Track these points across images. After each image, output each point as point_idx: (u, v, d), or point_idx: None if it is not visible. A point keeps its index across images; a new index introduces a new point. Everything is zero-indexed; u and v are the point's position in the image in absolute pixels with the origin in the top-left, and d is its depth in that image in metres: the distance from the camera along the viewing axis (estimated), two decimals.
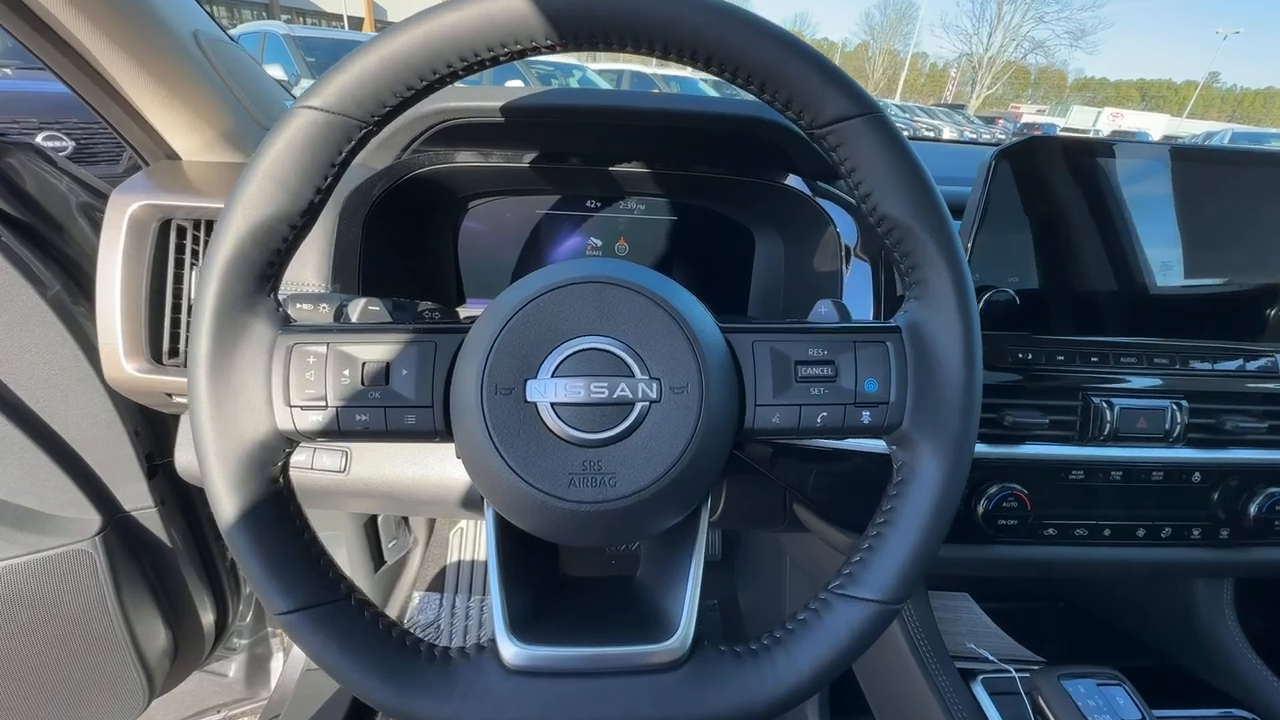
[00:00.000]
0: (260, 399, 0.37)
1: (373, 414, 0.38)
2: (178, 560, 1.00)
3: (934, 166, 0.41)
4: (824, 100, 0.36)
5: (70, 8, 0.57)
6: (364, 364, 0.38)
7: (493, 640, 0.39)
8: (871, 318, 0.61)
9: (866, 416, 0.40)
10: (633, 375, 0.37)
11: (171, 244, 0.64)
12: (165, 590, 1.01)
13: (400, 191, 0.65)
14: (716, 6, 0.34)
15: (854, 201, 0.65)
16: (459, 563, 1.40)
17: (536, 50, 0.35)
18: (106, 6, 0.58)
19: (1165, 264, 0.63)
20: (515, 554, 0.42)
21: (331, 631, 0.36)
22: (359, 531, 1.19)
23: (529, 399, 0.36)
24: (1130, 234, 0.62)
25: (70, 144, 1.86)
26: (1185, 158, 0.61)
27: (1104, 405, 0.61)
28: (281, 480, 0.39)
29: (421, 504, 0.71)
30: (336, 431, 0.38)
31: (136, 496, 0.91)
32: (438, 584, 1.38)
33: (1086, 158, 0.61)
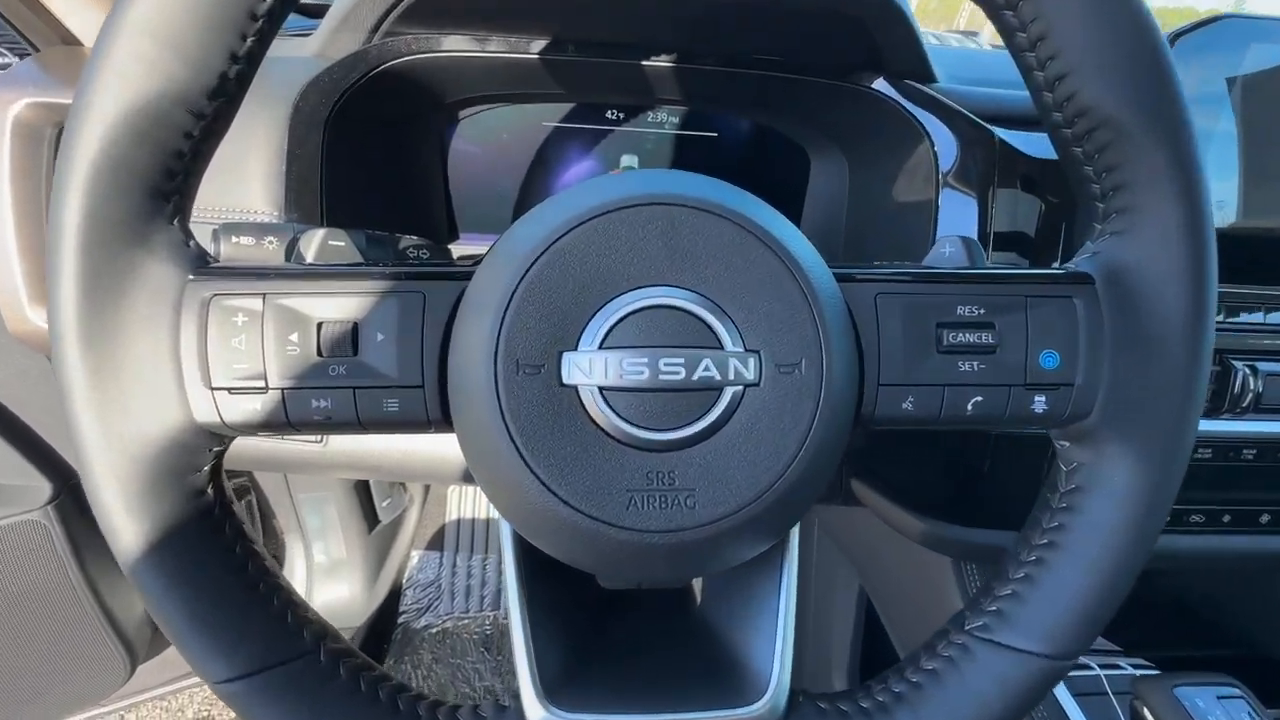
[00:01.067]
0: (164, 378, 0.25)
1: (336, 398, 0.26)
2: None
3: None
4: None
5: None
6: (320, 325, 0.26)
7: (517, 699, 0.29)
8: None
9: (1041, 403, 0.28)
10: (720, 346, 0.25)
11: None
12: None
13: (371, 90, 0.50)
14: None
15: (962, 108, 0.50)
16: (459, 520, 1.32)
17: None
18: None
19: None
20: (545, 586, 0.31)
21: (296, 701, 0.26)
22: (349, 491, 1.10)
23: (566, 381, 0.25)
24: None
25: None
26: None
27: (1247, 371, 0.50)
28: (211, 491, 0.27)
29: (416, 475, 0.61)
30: (284, 423, 0.27)
31: None
32: (437, 542, 1.30)
33: None
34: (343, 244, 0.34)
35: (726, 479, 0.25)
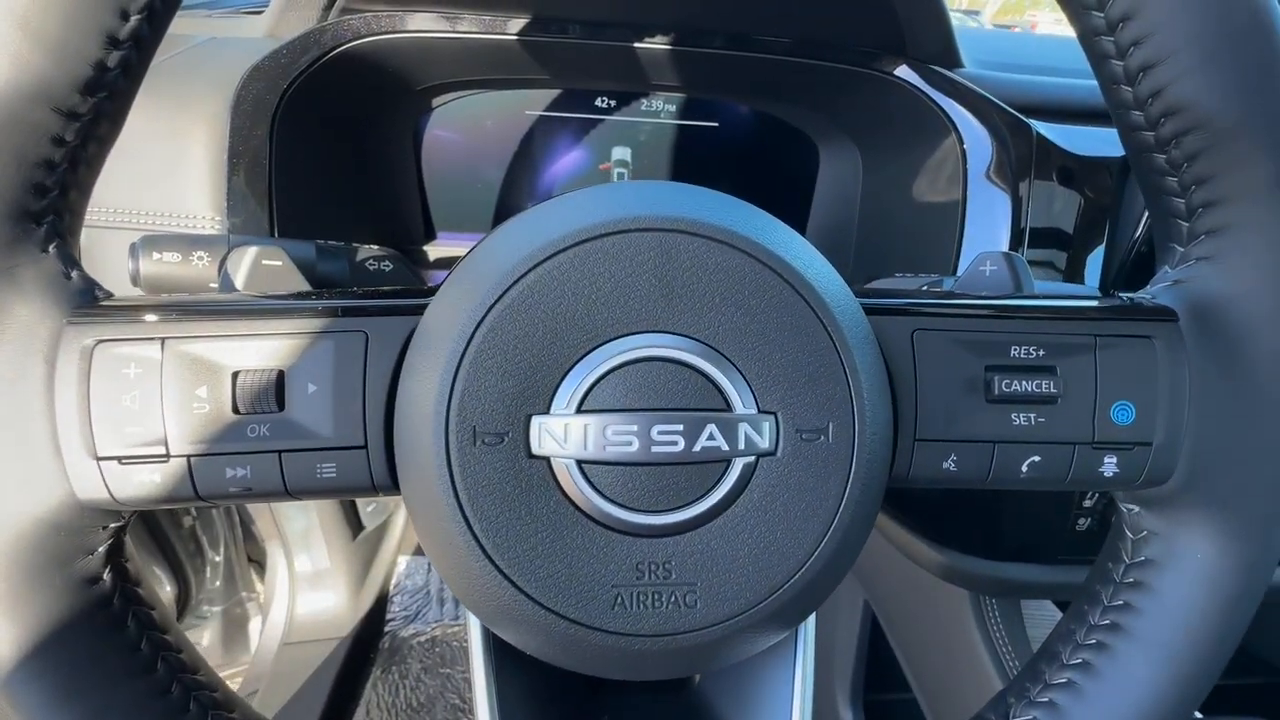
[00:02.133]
0: (36, 447, 0.21)
1: (258, 464, 0.22)
2: None
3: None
4: None
5: None
6: (236, 375, 0.21)
7: None
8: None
9: (1111, 465, 0.23)
10: (728, 408, 0.20)
11: None
12: None
13: (327, 76, 0.44)
14: None
15: (1033, 100, 0.45)
16: None
17: None
18: None
19: None
20: (519, 667, 0.26)
21: None
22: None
23: (535, 452, 0.20)
24: None
25: None
26: None
27: None
28: (109, 577, 0.22)
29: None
30: (191, 497, 0.22)
31: None
32: None
33: None
34: (279, 263, 0.29)
35: (734, 572, 0.20)
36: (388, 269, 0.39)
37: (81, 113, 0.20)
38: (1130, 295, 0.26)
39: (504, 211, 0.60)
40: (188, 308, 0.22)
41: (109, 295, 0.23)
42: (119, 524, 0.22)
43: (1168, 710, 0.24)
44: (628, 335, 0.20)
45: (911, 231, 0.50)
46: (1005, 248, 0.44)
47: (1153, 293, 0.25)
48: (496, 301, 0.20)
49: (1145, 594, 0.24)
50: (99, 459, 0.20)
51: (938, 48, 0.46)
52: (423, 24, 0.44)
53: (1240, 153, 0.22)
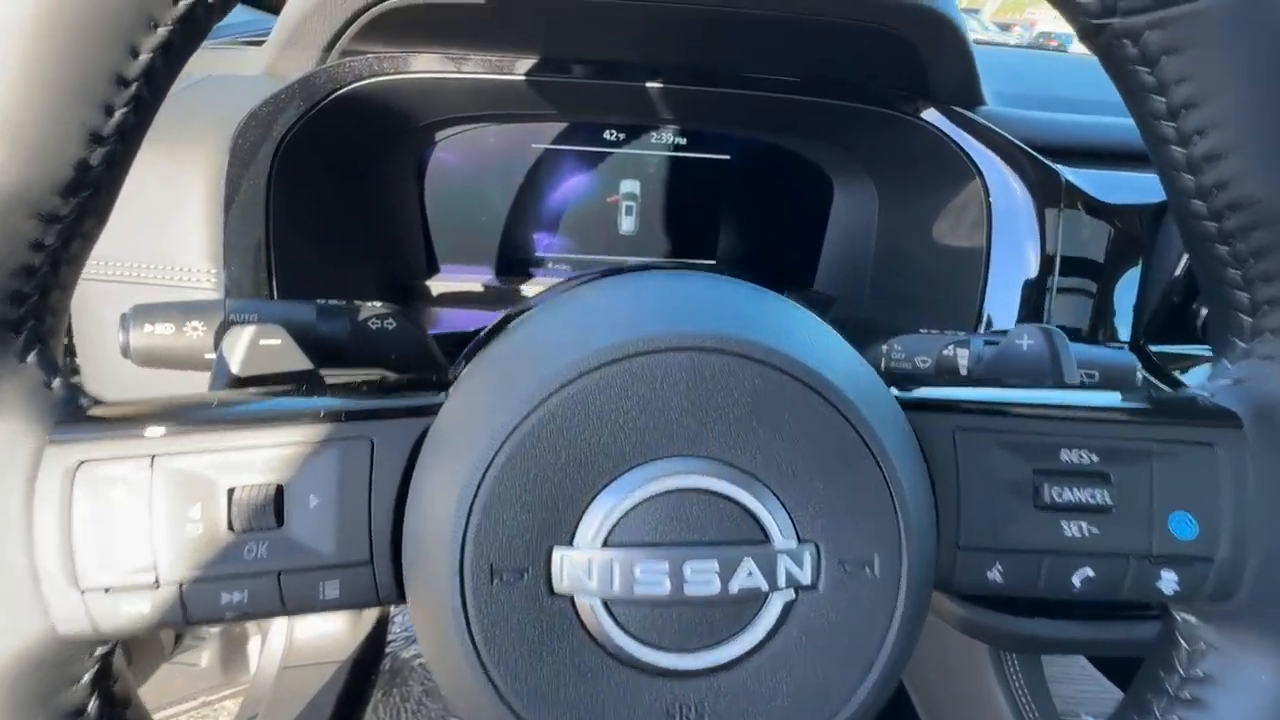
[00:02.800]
0: (14, 577, 0.19)
1: (255, 587, 0.20)
2: None
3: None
4: None
5: None
6: (232, 491, 0.19)
7: None
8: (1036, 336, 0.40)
9: (1171, 581, 0.22)
10: (767, 539, 0.18)
11: None
12: None
13: (328, 118, 0.42)
14: None
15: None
16: None
17: None
18: None
19: None
20: None
21: None
22: None
23: (558, 589, 0.18)
24: None
25: None
26: None
27: None
28: (94, 705, 0.21)
29: None
30: (182, 623, 0.20)
31: None
32: None
33: None
34: (278, 342, 0.28)
35: (772, 715, 0.19)
36: (391, 327, 0.37)
37: (63, 215, 0.18)
38: (1189, 394, 0.24)
39: (508, 245, 0.58)
40: (179, 418, 0.20)
41: (94, 402, 0.21)
42: (105, 650, 0.21)
43: None
44: (657, 460, 0.18)
45: (932, 275, 0.48)
46: (1030, 300, 0.42)
47: (1211, 389, 0.23)
48: (516, 428, 0.18)
49: (1203, 712, 0.23)
50: (82, 590, 0.19)
51: (961, 87, 0.44)
52: (427, 65, 0.42)
53: None
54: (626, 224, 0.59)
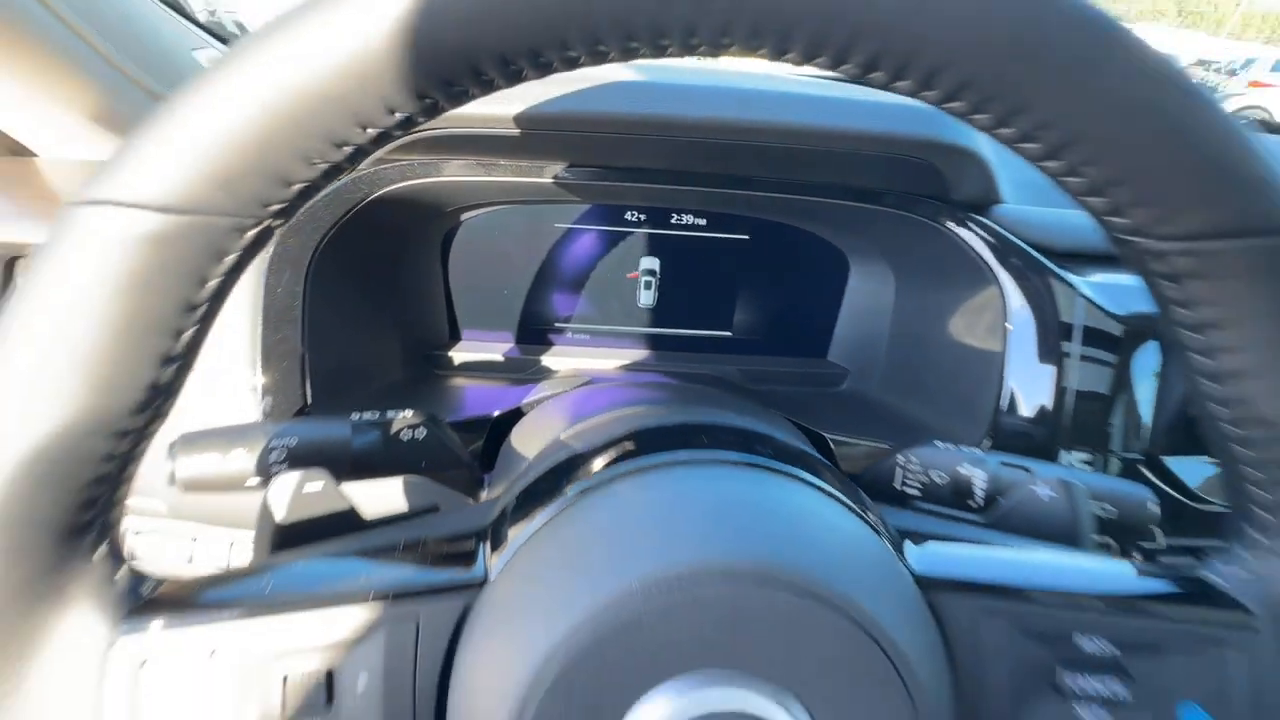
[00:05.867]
0: None
1: None
2: None
3: None
4: (1202, 197, 0.18)
5: None
6: (286, 679, 0.21)
7: None
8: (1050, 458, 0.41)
9: None
10: None
11: None
12: None
13: (361, 219, 0.43)
14: None
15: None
16: None
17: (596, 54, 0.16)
18: None
19: None
20: None
21: None
22: None
23: None
24: None
25: None
26: None
27: None
28: None
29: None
30: None
31: None
32: None
33: None
34: (319, 486, 0.29)
35: None
36: (420, 437, 0.38)
37: (132, 430, 0.20)
38: (1206, 577, 0.25)
39: (529, 315, 0.59)
40: (235, 606, 0.22)
41: (154, 586, 0.22)
42: None
43: None
44: (690, 673, 0.19)
45: (946, 370, 0.49)
46: (1044, 417, 0.43)
47: (1225, 575, 0.24)
48: (559, 646, 0.19)
49: None
50: None
51: (978, 193, 0.45)
52: (459, 170, 0.43)
53: None
54: (645, 298, 0.60)
